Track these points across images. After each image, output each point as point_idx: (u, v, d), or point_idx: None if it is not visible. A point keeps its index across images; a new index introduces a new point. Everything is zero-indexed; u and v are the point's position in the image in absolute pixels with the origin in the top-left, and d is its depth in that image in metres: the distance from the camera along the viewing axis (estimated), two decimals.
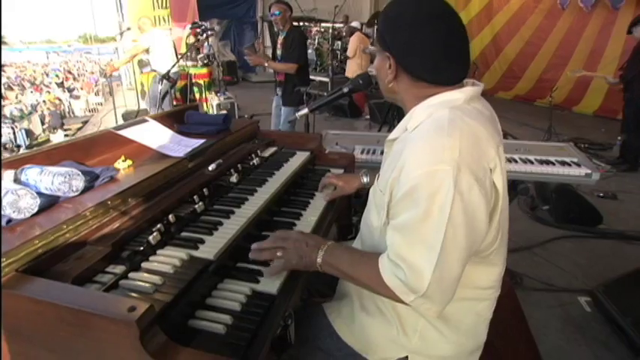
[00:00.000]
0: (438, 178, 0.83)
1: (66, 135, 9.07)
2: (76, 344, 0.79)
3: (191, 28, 6.93)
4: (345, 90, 1.46)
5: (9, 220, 0.95)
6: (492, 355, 1.19)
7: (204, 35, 6.22)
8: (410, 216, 0.87)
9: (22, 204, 0.95)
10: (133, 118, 6.14)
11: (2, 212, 0.94)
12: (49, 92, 13.37)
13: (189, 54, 6.23)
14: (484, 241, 0.93)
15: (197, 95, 6.46)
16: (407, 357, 1.08)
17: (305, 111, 1.68)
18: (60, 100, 12.36)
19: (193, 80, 6.30)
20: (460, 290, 0.95)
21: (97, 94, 12.91)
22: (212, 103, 6.19)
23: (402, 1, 0.99)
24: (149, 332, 0.74)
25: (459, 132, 0.87)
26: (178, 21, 9.23)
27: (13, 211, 0.94)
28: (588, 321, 2.31)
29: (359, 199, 2.44)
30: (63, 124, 9.93)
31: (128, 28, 7.49)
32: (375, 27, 9.32)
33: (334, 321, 1.18)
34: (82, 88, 14.73)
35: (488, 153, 0.90)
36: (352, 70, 7.34)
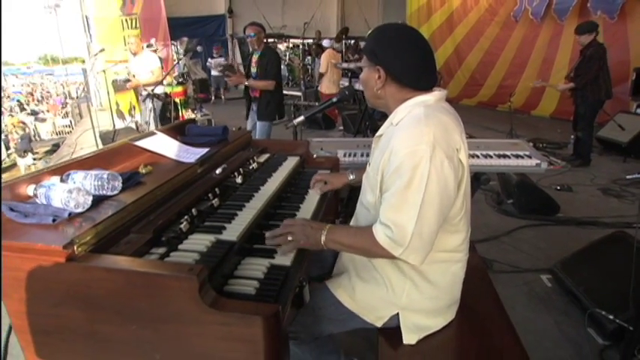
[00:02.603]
0: (419, 155, 1.10)
1: (34, 159, 8.93)
2: (141, 303, 1.00)
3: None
4: (335, 100, 1.72)
5: (70, 214, 1.15)
6: (466, 308, 1.45)
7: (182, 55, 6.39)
8: (397, 186, 1.13)
9: (80, 200, 1.16)
10: (110, 138, 6.21)
11: (66, 206, 1.14)
12: (11, 116, 13.06)
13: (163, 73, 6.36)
14: (454, 207, 1.20)
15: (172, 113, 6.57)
16: (397, 313, 1.33)
17: (301, 118, 1.93)
18: (24, 123, 12.10)
19: (170, 98, 6.41)
20: (437, 254, 1.22)
21: (64, 116, 12.68)
22: None
23: (385, 28, 1.29)
24: (204, 287, 0.97)
25: (432, 122, 1.15)
26: (149, 41, 9.30)
27: (75, 205, 1.15)
28: (549, 294, 2.63)
29: (341, 201, 2.70)
30: (32, 148, 9.75)
31: (102, 50, 7.52)
32: (344, 42, 9.69)
33: (336, 291, 1.42)
34: (48, 111, 14.42)
35: (454, 137, 1.18)
36: (325, 84, 7.63)
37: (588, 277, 2.44)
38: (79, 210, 1.17)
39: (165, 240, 1.23)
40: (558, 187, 4.45)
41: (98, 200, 1.27)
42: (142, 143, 1.72)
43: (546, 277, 2.79)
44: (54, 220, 1.12)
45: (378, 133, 1.35)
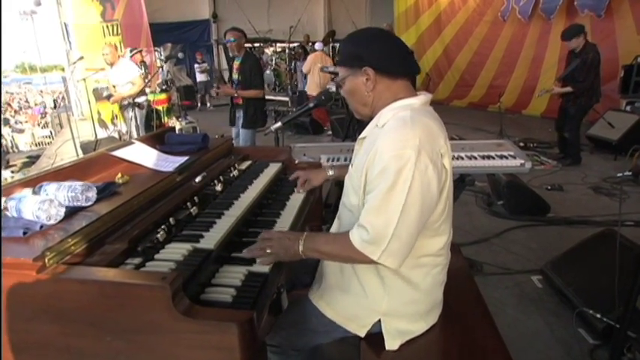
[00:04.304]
0: (404, 158, 1.09)
1: (11, 171, 8.61)
2: (115, 314, 0.98)
3: (131, 55, 6.98)
4: (312, 105, 1.71)
5: (41, 226, 1.13)
6: (449, 312, 1.44)
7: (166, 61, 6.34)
8: (380, 188, 1.12)
9: (52, 212, 1.14)
10: (92, 148, 6.08)
11: (37, 219, 1.12)
12: None
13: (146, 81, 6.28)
14: (435, 211, 1.19)
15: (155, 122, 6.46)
16: (380, 320, 1.32)
17: (278, 124, 1.91)
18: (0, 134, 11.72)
19: (152, 106, 6.30)
20: (417, 259, 1.21)
21: (44, 126, 12.31)
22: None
23: (355, 33, 1.32)
24: (178, 296, 0.95)
25: (418, 126, 1.14)
26: (131, 47, 9.08)
27: (46, 218, 1.13)
28: (540, 295, 2.62)
29: (329, 207, 2.69)
30: (8, 161, 9.32)
31: (81, 58, 7.32)
32: (331, 45, 9.67)
33: (318, 304, 1.40)
34: (26, 121, 14.03)
35: (439, 142, 1.18)
36: (310, 87, 7.62)
37: (578, 277, 2.44)
38: (51, 222, 1.15)
39: (141, 250, 1.21)
40: (549, 187, 4.45)
41: (72, 212, 1.25)
42: (120, 153, 1.70)
43: (537, 277, 2.78)
44: (25, 233, 1.10)
45: (361, 135, 1.34)
